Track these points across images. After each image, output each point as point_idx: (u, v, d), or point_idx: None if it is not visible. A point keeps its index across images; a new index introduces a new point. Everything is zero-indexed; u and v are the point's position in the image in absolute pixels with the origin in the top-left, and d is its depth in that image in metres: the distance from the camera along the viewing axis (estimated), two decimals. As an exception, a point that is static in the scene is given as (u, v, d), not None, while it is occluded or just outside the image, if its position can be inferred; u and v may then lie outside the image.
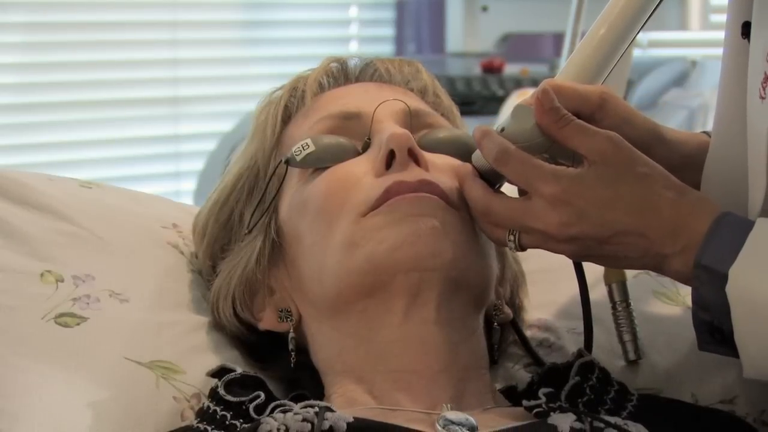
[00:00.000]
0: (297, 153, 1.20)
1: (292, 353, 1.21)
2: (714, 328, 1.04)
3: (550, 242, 1.09)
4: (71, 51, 3.66)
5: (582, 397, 1.16)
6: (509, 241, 1.11)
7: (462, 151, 1.20)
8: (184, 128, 3.85)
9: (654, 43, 3.93)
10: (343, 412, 1.07)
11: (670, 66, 3.36)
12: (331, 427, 1.04)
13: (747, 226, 1.04)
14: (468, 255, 1.15)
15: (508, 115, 1.14)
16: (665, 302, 1.33)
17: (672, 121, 2.96)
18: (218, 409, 1.14)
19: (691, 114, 3.10)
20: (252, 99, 1.39)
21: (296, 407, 1.08)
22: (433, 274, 1.13)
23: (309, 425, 1.05)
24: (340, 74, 1.30)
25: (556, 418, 1.07)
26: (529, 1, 3.68)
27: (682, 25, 3.52)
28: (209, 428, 1.13)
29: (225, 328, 1.26)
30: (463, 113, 1.34)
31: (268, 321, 1.23)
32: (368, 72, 1.30)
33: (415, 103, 1.26)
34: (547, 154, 1.12)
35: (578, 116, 1.11)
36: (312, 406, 1.07)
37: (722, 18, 1.18)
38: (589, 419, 1.07)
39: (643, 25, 1.18)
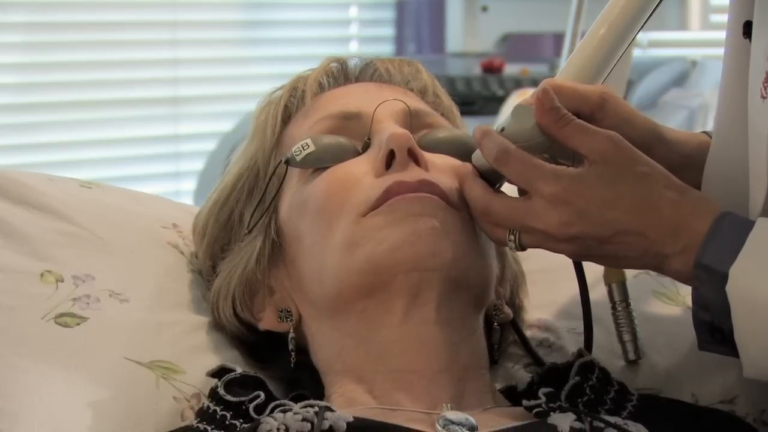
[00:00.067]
0: (297, 153, 1.20)
1: (292, 353, 1.21)
2: (714, 327, 1.04)
3: (551, 242, 1.09)
4: (71, 51, 3.66)
5: (582, 397, 1.15)
6: (509, 240, 1.11)
7: (462, 151, 1.20)
8: (184, 128, 3.85)
9: (654, 43, 3.93)
10: (343, 412, 1.06)
11: (670, 66, 3.35)
12: (330, 426, 1.04)
13: (747, 225, 1.04)
14: (468, 255, 1.15)
15: (508, 115, 1.13)
16: (665, 302, 1.33)
17: (672, 121, 2.96)
18: (218, 409, 1.14)
19: (691, 114, 3.10)
20: (252, 99, 1.39)
21: (296, 407, 1.08)
22: (433, 274, 1.13)
23: (309, 425, 1.05)
24: (340, 74, 1.29)
25: (556, 418, 1.07)
26: (529, 1, 3.68)
27: (682, 25, 3.52)
28: (209, 428, 1.13)
29: (225, 328, 1.26)
30: (463, 113, 1.34)
31: (268, 321, 1.23)
32: (368, 72, 1.30)
33: (415, 103, 1.26)
34: (547, 154, 1.12)
35: (578, 116, 1.11)
36: (312, 406, 1.07)
37: (722, 18, 1.18)
38: (589, 419, 1.07)
39: (643, 25, 1.18)
